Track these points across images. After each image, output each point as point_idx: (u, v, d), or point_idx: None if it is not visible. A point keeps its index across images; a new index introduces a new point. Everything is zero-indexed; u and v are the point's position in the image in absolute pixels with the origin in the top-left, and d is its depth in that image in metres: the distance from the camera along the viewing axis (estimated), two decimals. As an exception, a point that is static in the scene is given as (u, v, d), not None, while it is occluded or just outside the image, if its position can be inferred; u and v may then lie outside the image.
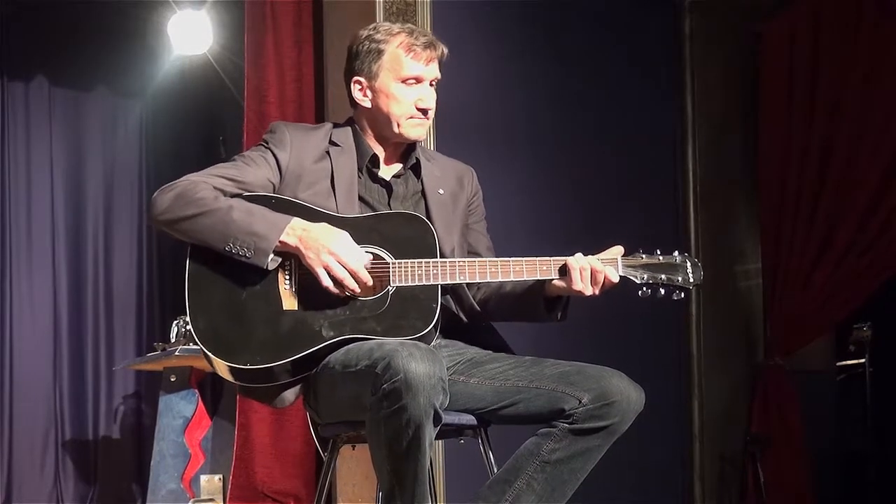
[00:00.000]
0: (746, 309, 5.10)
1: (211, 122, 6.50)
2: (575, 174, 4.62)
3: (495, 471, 2.39)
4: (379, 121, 2.49)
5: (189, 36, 5.67)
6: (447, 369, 2.39)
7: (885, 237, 4.56)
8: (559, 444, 2.26)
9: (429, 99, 2.48)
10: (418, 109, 2.46)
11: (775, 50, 4.97)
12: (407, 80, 2.45)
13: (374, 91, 2.48)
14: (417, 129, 2.48)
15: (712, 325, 4.96)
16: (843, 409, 5.31)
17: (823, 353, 5.23)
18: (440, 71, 2.51)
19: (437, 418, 2.08)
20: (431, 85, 2.49)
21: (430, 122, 2.52)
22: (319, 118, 4.52)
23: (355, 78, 2.50)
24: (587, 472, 2.29)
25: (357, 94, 2.51)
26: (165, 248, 6.57)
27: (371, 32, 2.50)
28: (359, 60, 2.49)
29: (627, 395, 2.26)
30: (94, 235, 6.45)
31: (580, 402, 2.25)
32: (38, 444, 6.16)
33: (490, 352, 2.48)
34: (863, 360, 5.15)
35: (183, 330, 5.10)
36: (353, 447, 2.48)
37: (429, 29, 4.21)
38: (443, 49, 2.50)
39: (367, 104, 2.49)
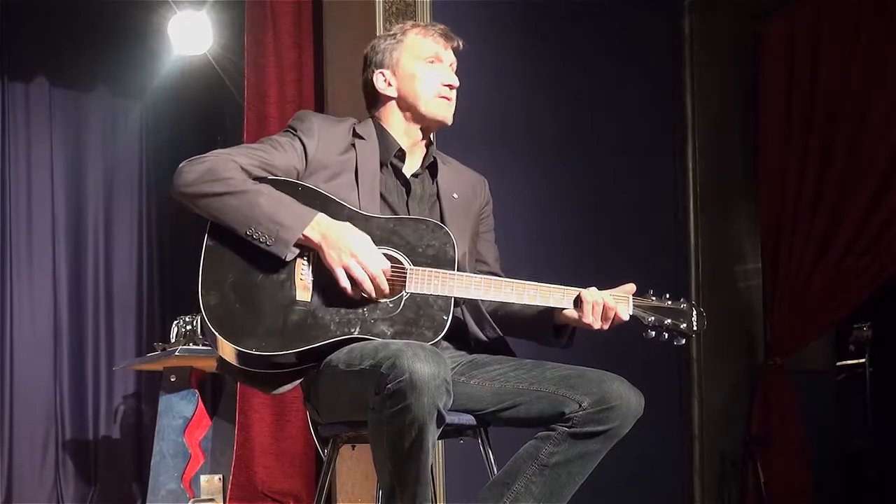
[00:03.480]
0: (746, 309, 5.10)
1: (211, 122, 6.50)
2: (574, 174, 4.61)
3: (495, 471, 2.38)
4: (408, 103, 2.50)
5: (189, 36, 5.67)
6: (448, 369, 2.40)
7: (885, 237, 4.56)
8: (558, 448, 2.25)
9: (453, 77, 2.51)
10: (444, 86, 2.49)
11: (775, 50, 4.97)
12: (429, 59, 2.49)
13: (398, 77, 2.50)
14: (445, 109, 2.50)
15: (712, 325, 4.92)
16: (843, 409, 5.30)
17: (823, 353, 5.23)
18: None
19: (440, 419, 2.06)
20: (451, 68, 2.52)
21: (454, 103, 2.53)
22: (319, 118, 4.51)
23: (378, 71, 2.52)
24: (585, 476, 2.28)
25: (381, 84, 2.52)
26: (166, 248, 6.58)
27: (385, 33, 2.56)
28: (378, 55, 2.53)
29: (627, 399, 2.25)
30: (94, 235, 6.45)
31: (580, 405, 2.24)
32: (38, 444, 6.16)
33: (491, 353, 2.46)
34: (863, 360, 5.15)
35: (183, 330, 5.10)
36: (353, 447, 2.48)
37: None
38: (458, 41, 2.55)
39: (393, 92, 2.51)
